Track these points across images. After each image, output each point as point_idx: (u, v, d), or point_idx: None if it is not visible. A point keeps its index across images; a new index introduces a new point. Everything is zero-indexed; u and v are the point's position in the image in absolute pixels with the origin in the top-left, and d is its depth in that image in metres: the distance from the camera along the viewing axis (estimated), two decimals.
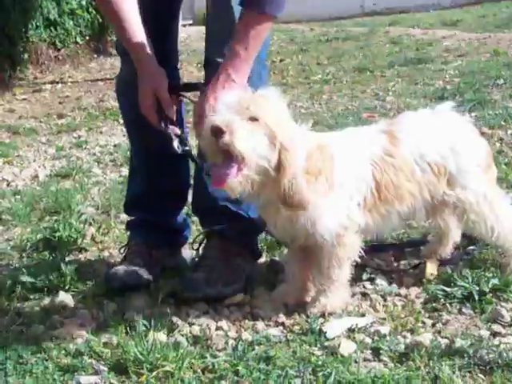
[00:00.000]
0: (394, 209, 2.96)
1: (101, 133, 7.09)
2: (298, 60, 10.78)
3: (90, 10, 12.82)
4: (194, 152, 3.26)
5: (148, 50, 3.00)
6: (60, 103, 8.95)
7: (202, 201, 3.34)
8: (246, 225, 3.27)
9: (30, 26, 11.18)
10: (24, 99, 9.29)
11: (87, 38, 13.01)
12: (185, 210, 3.73)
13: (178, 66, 3.50)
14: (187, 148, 3.07)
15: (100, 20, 12.87)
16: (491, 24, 12.27)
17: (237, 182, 2.62)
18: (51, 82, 10.53)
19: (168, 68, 3.08)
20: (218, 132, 2.54)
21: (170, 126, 3.02)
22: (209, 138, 2.60)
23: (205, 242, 3.37)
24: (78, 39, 12.64)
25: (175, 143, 3.01)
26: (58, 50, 12.17)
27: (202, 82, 3.19)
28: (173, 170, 3.41)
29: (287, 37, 14.12)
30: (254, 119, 2.60)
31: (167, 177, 3.42)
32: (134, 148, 3.59)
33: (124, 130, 4.16)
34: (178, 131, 3.05)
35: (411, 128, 3.02)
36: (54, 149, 6.53)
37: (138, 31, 2.97)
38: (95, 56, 13.14)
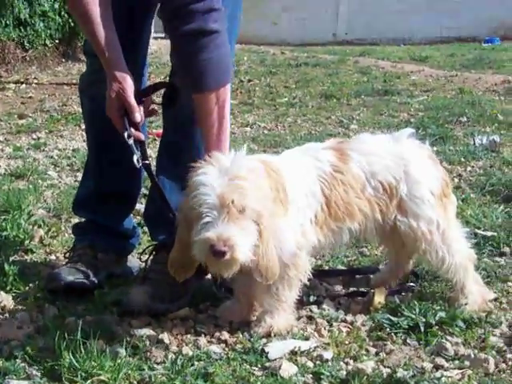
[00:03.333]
0: (344, 226, 2.93)
1: (61, 136, 6.98)
2: (266, 82, 10.76)
3: (63, 13, 12.73)
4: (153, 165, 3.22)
5: (117, 54, 2.95)
6: (22, 103, 8.81)
7: (153, 209, 3.29)
8: None
9: None
10: None
11: (57, 41, 12.91)
12: (137, 220, 3.68)
13: (146, 77, 3.45)
14: (147, 162, 3.01)
15: (72, 24, 12.77)
16: (459, 63, 12.42)
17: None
18: (15, 82, 10.38)
19: (136, 76, 3.04)
20: (219, 254, 2.50)
21: (134, 132, 2.96)
22: (207, 256, 2.55)
23: (153, 254, 3.31)
24: (48, 42, 12.53)
25: (135, 157, 2.94)
26: (26, 50, 12.05)
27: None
28: (125, 173, 3.34)
29: (257, 58, 14.14)
30: (241, 211, 2.55)
31: (119, 178, 3.37)
32: (90, 145, 3.54)
33: (84, 135, 4.09)
34: (143, 137, 3.01)
35: (363, 147, 3.00)
36: (11, 148, 6.40)
37: (108, 35, 2.92)
38: (63, 60, 13.04)
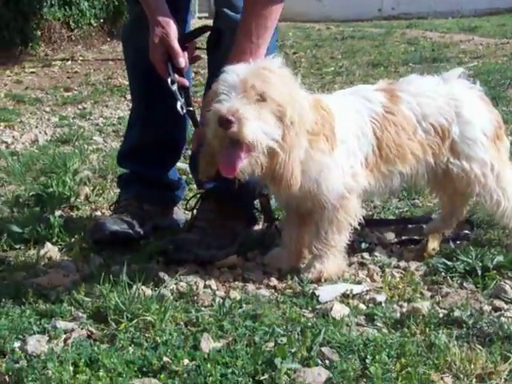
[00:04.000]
0: (396, 169, 2.84)
1: (106, 106, 6.97)
2: (312, 53, 10.64)
3: None
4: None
5: None
6: (68, 78, 8.85)
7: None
8: (244, 187, 3.14)
9: (44, 4, 11.08)
10: (32, 72, 9.19)
11: (101, 20, 12.89)
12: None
13: (189, 24, 3.37)
14: (191, 108, 2.94)
15: (116, 3, 12.77)
16: (510, 32, 12.11)
17: (247, 165, 2.50)
18: (62, 60, 10.41)
19: (179, 21, 2.96)
20: (225, 123, 2.40)
21: (178, 78, 2.89)
22: (215, 128, 2.46)
23: (200, 203, 3.24)
24: (92, 21, 12.53)
25: (179, 104, 2.88)
26: (72, 29, 12.08)
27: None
28: (170, 122, 3.28)
29: (303, 34, 13.99)
30: (261, 99, 2.46)
31: (164, 128, 3.30)
32: (134, 96, 3.47)
33: (130, 105, 4.04)
34: (187, 82, 2.94)
35: (414, 88, 2.89)
36: (57, 118, 6.42)
37: None
38: (108, 39, 13.04)
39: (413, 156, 2.84)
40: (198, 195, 3.28)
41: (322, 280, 2.75)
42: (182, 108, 2.89)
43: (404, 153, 2.82)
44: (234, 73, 2.50)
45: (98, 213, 3.72)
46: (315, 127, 2.63)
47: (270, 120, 2.47)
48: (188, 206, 3.35)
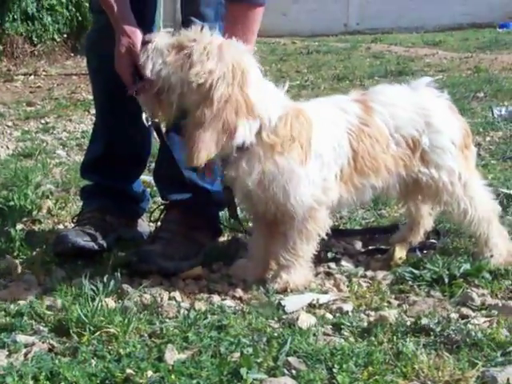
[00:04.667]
0: (369, 182, 2.82)
1: (70, 120, 6.88)
2: (277, 68, 10.65)
3: (70, 7, 12.61)
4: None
5: (126, 8, 2.87)
6: (31, 92, 8.74)
7: (164, 169, 3.18)
8: (209, 198, 3.11)
9: (6, 19, 10.96)
10: None
11: (65, 35, 12.78)
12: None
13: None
14: (156, 120, 2.89)
15: (80, 18, 12.68)
16: (473, 46, 12.22)
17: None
18: (24, 74, 10.30)
19: (146, 32, 2.92)
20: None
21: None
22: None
23: (164, 214, 3.20)
24: (56, 36, 12.41)
25: (144, 115, 2.83)
26: (35, 44, 11.94)
27: None
28: (134, 133, 3.23)
29: (268, 48, 13.97)
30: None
31: (128, 139, 3.25)
32: (97, 107, 3.42)
33: (94, 119, 3.99)
34: None
35: (385, 98, 2.87)
36: (19, 132, 6.33)
37: None
38: (72, 54, 12.89)
39: (386, 169, 2.83)
40: (162, 206, 3.24)
41: (289, 290, 2.72)
42: (146, 120, 2.85)
43: (378, 166, 2.81)
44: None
45: (61, 226, 3.64)
46: (288, 132, 2.62)
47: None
48: (152, 218, 3.31)
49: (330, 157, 2.72)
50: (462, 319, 2.47)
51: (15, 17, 11.24)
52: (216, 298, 2.70)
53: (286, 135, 2.62)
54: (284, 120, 2.63)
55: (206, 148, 2.51)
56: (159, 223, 3.20)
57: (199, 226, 3.12)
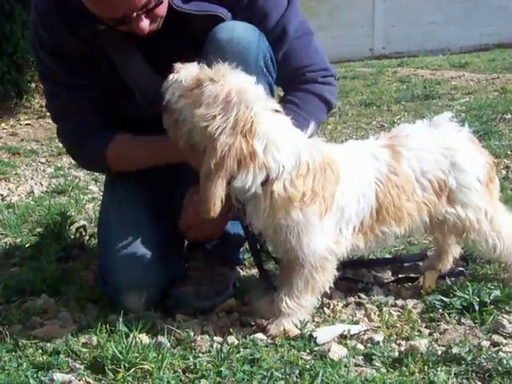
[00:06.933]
0: (390, 230, 2.80)
1: None
2: None
3: None
4: None
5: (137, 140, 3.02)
6: None
7: None
8: (228, 239, 3.14)
9: None
10: (28, 124, 9.20)
11: None
12: None
13: None
14: None
15: None
16: (500, 66, 12.17)
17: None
18: None
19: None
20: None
21: None
22: None
23: (189, 251, 3.25)
24: None
25: None
26: None
27: None
28: None
29: None
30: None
31: None
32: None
33: None
34: None
35: (412, 141, 2.83)
36: (52, 168, 6.43)
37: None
38: None
39: (409, 216, 2.80)
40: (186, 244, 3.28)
41: (277, 340, 2.62)
42: None
43: (401, 215, 2.78)
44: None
45: (96, 262, 3.70)
46: (313, 187, 2.57)
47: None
48: None
49: (352, 210, 2.68)
50: (494, 347, 2.48)
51: None
52: (248, 331, 2.72)
53: (307, 189, 2.56)
54: (305, 171, 2.56)
55: (219, 197, 2.46)
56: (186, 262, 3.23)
57: (221, 260, 3.17)
